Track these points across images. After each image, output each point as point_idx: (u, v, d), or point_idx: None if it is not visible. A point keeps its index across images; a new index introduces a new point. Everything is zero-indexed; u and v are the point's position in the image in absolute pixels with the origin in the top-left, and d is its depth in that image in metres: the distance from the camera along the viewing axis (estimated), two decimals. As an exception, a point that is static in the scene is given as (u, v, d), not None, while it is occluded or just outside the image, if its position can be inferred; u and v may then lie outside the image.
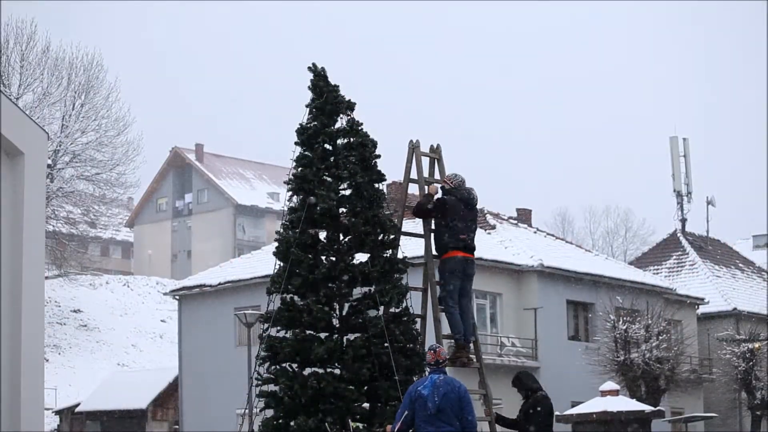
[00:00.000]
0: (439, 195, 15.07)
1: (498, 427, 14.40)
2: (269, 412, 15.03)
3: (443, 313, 14.79)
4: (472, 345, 15.09)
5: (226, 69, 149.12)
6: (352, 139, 15.24)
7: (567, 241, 52.92)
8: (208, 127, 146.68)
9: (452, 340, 14.94)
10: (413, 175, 15.36)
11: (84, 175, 62.83)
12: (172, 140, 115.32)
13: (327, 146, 15.30)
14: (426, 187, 15.24)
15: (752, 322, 46.62)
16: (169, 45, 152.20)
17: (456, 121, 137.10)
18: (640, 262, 55.49)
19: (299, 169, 15.21)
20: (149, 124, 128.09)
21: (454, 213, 14.69)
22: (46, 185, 27.47)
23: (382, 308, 14.76)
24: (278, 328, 15.04)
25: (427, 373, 11.76)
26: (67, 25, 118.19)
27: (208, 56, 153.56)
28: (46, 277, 58.95)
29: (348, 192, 15.21)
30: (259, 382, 14.78)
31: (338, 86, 15.43)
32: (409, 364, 14.53)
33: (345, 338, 15.00)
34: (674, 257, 54.90)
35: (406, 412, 11.43)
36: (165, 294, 51.77)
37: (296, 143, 15.34)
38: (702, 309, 49.13)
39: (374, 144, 15.32)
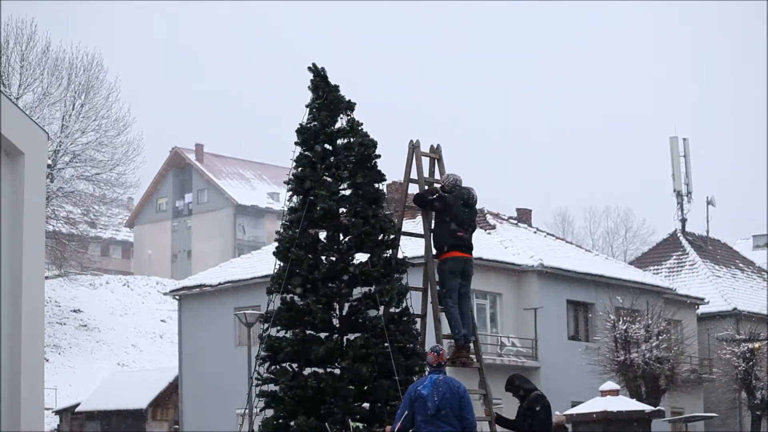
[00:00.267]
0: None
1: (498, 427, 14.40)
2: (269, 412, 15.03)
3: (443, 313, 14.79)
4: (472, 345, 15.09)
5: (226, 69, 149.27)
6: (352, 139, 15.25)
7: (567, 241, 52.92)
8: (208, 127, 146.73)
9: (452, 340, 14.94)
10: (413, 175, 15.36)
11: (84, 175, 62.83)
12: (172, 140, 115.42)
13: (327, 146, 15.31)
14: (426, 186, 15.27)
15: (752, 322, 46.62)
16: (169, 45, 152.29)
17: (456, 121, 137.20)
18: (640, 262, 55.49)
19: (299, 169, 15.22)
20: (149, 124, 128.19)
21: (452, 210, 14.69)
22: (46, 185, 27.48)
23: (382, 308, 14.76)
24: (278, 328, 15.04)
25: (426, 373, 11.75)
26: (67, 25, 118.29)
27: (208, 56, 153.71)
28: (46, 277, 58.96)
29: (348, 192, 15.21)
30: (259, 382, 14.79)
31: (338, 86, 15.44)
32: (409, 364, 14.53)
33: (345, 338, 15.00)
34: (674, 257, 54.90)
35: (406, 412, 11.43)
36: (165, 294, 51.77)
37: (296, 143, 15.35)
38: (702, 309, 49.13)
39: (374, 144, 15.32)
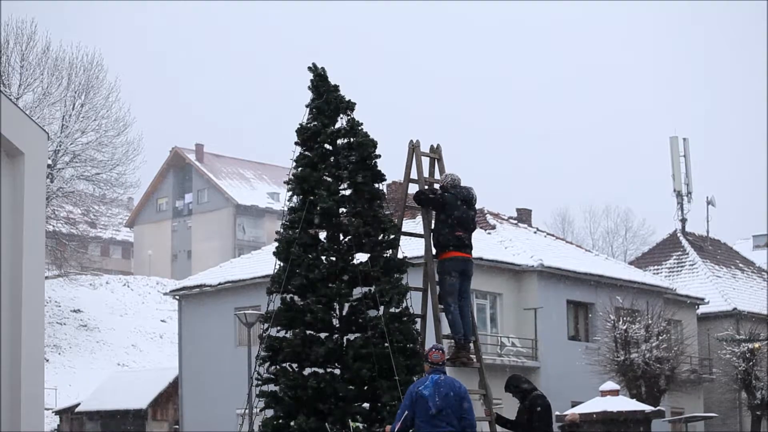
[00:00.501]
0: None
1: (498, 427, 14.40)
2: (269, 412, 15.03)
3: (443, 313, 14.79)
4: (472, 345, 15.09)
5: (226, 69, 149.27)
6: (352, 139, 15.25)
7: (567, 241, 52.92)
8: (208, 127, 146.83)
9: (452, 340, 14.94)
10: (413, 175, 15.36)
11: (84, 175, 62.84)
12: (172, 140, 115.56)
13: (327, 146, 15.31)
14: (426, 186, 15.27)
15: (752, 322, 46.61)
16: (169, 45, 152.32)
17: (456, 121, 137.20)
18: (640, 262, 55.48)
19: (299, 169, 15.22)
20: (149, 124, 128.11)
21: (452, 210, 14.69)
22: (46, 185, 27.47)
23: (382, 308, 14.76)
24: (278, 328, 15.04)
25: (425, 373, 11.72)
26: (67, 25, 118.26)
27: (208, 56, 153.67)
28: (46, 277, 58.93)
29: (348, 192, 15.21)
30: (259, 382, 14.79)
31: (338, 86, 15.44)
32: (409, 364, 14.53)
33: (345, 338, 15.00)
34: (674, 257, 54.90)
35: (406, 413, 11.42)
36: (165, 294, 51.77)
37: (296, 143, 15.35)
38: (702, 309, 49.13)
39: (374, 144, 15.32)
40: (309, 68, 15.47)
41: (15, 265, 10.18)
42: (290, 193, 15.28)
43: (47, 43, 60.67)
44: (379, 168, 15.29)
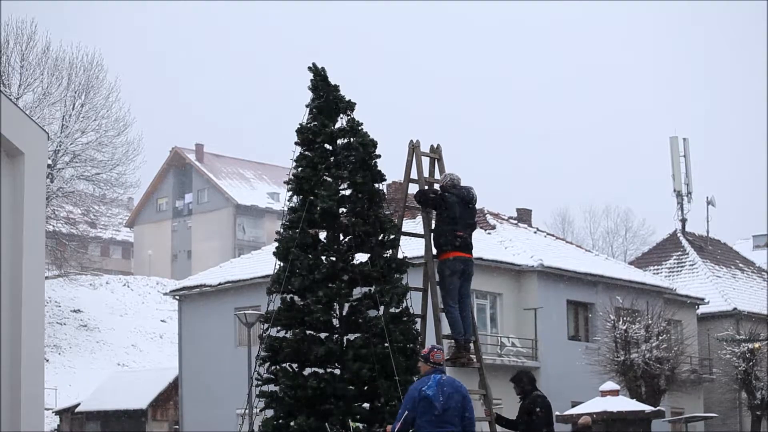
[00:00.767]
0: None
1: (498, 427, 14.40)
2: (269, 412, 15.03)
3: (443, 313, 14.79)
4: (472, 345, 15.09)
5: (227, 69, 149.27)
6: (352, 139, 15.24)
7: (567, 241, 52.91)
8: (208, 127, 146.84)
9: (452, 340, 14.94)
10: (413, 175, 15.36)
11: (84, 175, 62.86)
12: (172, 140, 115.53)
13: (327, 146, 15.31)
14: (426, 186, 15.28)
15: (752, 322, 46.59)
16: (169, 45, 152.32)
17: (456, 121, 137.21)
18: (640, 262, 55.48)
19: (299, 169, 15.21)
20: (149, 124, 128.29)
21: (452, 210, 14.70)
22: (46, 185, 27.48)
23: (382, 308, 14.75)
24: (278, 328, 15.03)
25: (423, 373, 11.69)
26: (67, 25, 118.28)
27: (208, 56, 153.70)
28: (46, 277, 58.95)
29: (348, 192, 15.21)
30: (259, 382, 14.78)
31: (338, 86, 15.44)
32: (409, 364, 14.52)
33: (345, 338, 14.99)
34: (674, 257, 54.89)
35: (406, 413, 11.40)
36: (165, 294, 51.77)
37: (296, 143, 15.35)
38: (702, 309, 49.12)
39: (374, 144, 15.31)
40: (309, 68, 15.46)
41: (15, 265, 10.17)
42: (290, 193, 15.27)
43: (47, 43, 60.78)
44: (379, 168, 15.28)
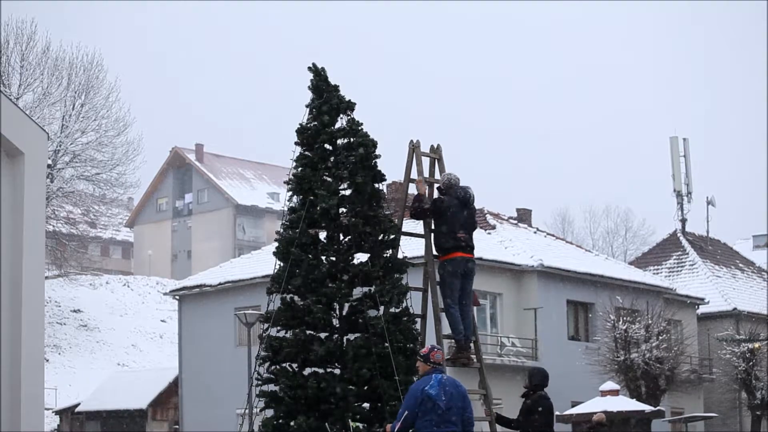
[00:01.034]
0: (435, 195, 15.10)
1: (498, 427, 14.40)
2: (269, 412, 15.03)
3: (443, 313, 14.79)
4: (472, 345, 15.08)
5: (226, 69, 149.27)
6: (352, 139, 15.24)
7: (567, 241, 52.91)
8: (208, 127, 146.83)
9: (452, 340, 14.94)
10: (413, 175, 15.36)
11: (84, 175, 62.85)
12: (172, 140, 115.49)
13: (327, 146, 15.31)
14: (426, 187, 15.26)
15: (752, 322, 46.60)
16: (169, 45, 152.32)
17: (456, 121, 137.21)
18: (640, 262, 55.48)
19: (299, 169, 15.22)
20: (149, 124, 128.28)
21: (449, 212, 14.70)
22: (46, 185, 27.48)
23: (382, 308, 14.76)
24: (278, 328, 15.04)
25: (421, 372, 11.69)
26: (67, 25, 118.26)
27: (208, 56, 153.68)
28: (46, 277, 58.94)
29: (348, 192, 15.21)
30: (259, 382, 14.78)
31: (338, 86, 15.44)
32: (409, 364, 14.52)
33: (345, 338, 15.00)
34: (674, 257, 54.89)
35: (406, 413, 11.39)
36: (165, 294, 51.77)
37: (296, 143, 15.35)
38: (702, 309, 49.12)
39: (374, 144, 15.32)
40: (309, 68, 15.47)
41: (15, 265, 10.18)
42: (290, 193, 15.28)
43: (47, 43, 60.76)
44: (379, 168, 15.29)
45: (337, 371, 14.83)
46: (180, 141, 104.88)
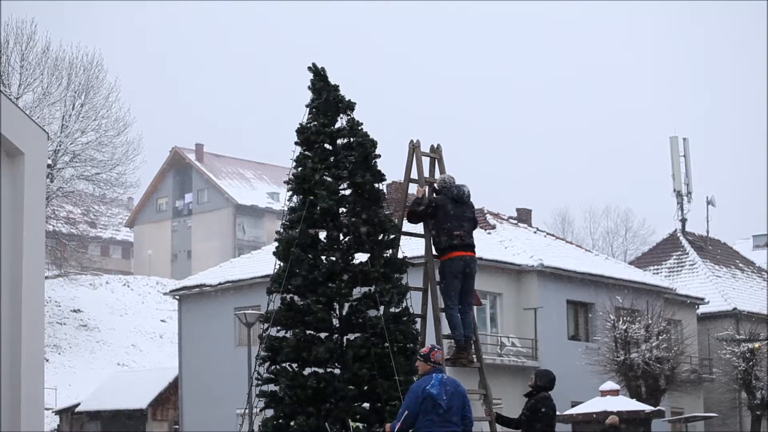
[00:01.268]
0: (432, 196, 15.10)
1: (498, 427, 14.40)
2: (269, 412, 15.02)
3: (443, 313, 14.79)
4: (472, 345, 15.08)
5: (226, 69, 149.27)
6: (352, 139, 15.24)
7: (567, 241, 52.91)
8: (208, 127, 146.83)
9: (452, 340, 14.93)
10: (413, 175, 15.35)
11: (84, 175, 62.85)
12: (172, 140, 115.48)
13: (327, 146, 15.31)
14: (426, 186, 15.26)
15: (752, 322, 46.62)
16: (169, 45, 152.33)
17: (456, 121, 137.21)
18: (640, 262, 55.48)
19: (299, 169, 15.21)
20: (149, 124, 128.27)
21: (445, 211, 14.69)
22: (46, 185, 27.48)
23: (382, 308, 14.75)
24: (278, 328, 15.03)
25: (420, 372, 11.69)
26: (67, 25, 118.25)
27: (208, 56, 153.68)
28: (46, 277, 58.94)
29: (348, 192, 15.21)
30: (259, 382, 14.78)
31: (338, 86, 15.44)
32: (409, 364, 14.52)
33: (345, 338, 14.99)
34: (674, 257, 54.90)
35: (407, 412, 11.39)
36: (165, 294, 51.78)
37: (296, 143, 15.35)
38: (702, 309, 49.13)
39: (374, 144, 15.31)
40: (309, 68, 15.46)
41: (15, 265, 10.18)
42: (290, 193, 15.27)
43: (47, 43, 60.78)
44: (379, 168, 15.28)
45: (337, 371, 14.82)
46: (180, 141, 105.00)
